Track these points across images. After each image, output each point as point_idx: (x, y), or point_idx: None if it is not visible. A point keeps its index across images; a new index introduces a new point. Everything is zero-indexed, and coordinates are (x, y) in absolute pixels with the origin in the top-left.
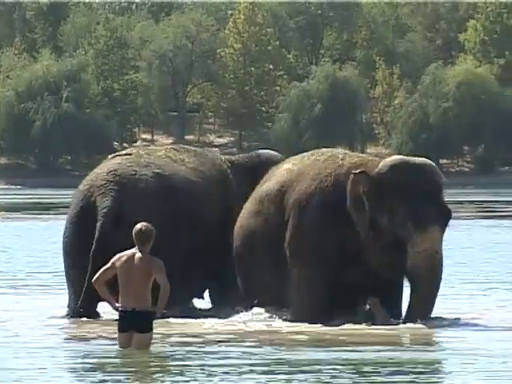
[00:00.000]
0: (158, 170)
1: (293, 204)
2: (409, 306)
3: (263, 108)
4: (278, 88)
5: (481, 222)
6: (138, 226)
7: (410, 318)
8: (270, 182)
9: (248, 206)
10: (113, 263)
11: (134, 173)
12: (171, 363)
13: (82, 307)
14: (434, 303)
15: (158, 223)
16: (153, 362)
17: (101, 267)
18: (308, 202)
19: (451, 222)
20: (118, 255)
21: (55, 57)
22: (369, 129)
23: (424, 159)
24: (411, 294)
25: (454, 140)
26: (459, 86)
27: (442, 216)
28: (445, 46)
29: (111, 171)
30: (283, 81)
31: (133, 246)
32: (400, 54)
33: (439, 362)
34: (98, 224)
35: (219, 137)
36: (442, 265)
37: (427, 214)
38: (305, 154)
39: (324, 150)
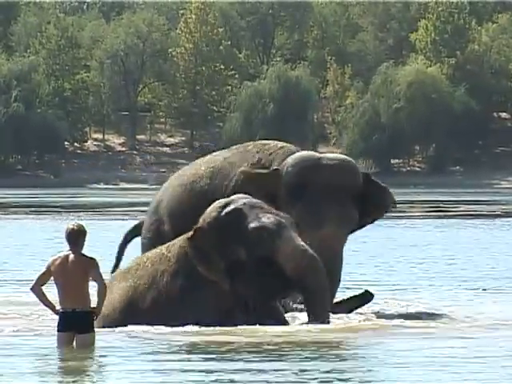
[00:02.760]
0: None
1: None
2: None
3: (214, 108)
4: (229, 88)
5: (431, 222)
6: (70, 226)
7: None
8: None
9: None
10: (48, 267)
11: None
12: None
13: None
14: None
15: None
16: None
17: None
18: None
19: (402, 221)
20: (51, 258)
21: (6, 56)
22: (320, 128)
23: None
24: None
25: (405, 140)
26: (410, 85)
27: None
28: (396, 45)
29: None
30: (234, 80)
31: None
32: (351, 54)
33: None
34: None
35: (170, 136)
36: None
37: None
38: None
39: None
